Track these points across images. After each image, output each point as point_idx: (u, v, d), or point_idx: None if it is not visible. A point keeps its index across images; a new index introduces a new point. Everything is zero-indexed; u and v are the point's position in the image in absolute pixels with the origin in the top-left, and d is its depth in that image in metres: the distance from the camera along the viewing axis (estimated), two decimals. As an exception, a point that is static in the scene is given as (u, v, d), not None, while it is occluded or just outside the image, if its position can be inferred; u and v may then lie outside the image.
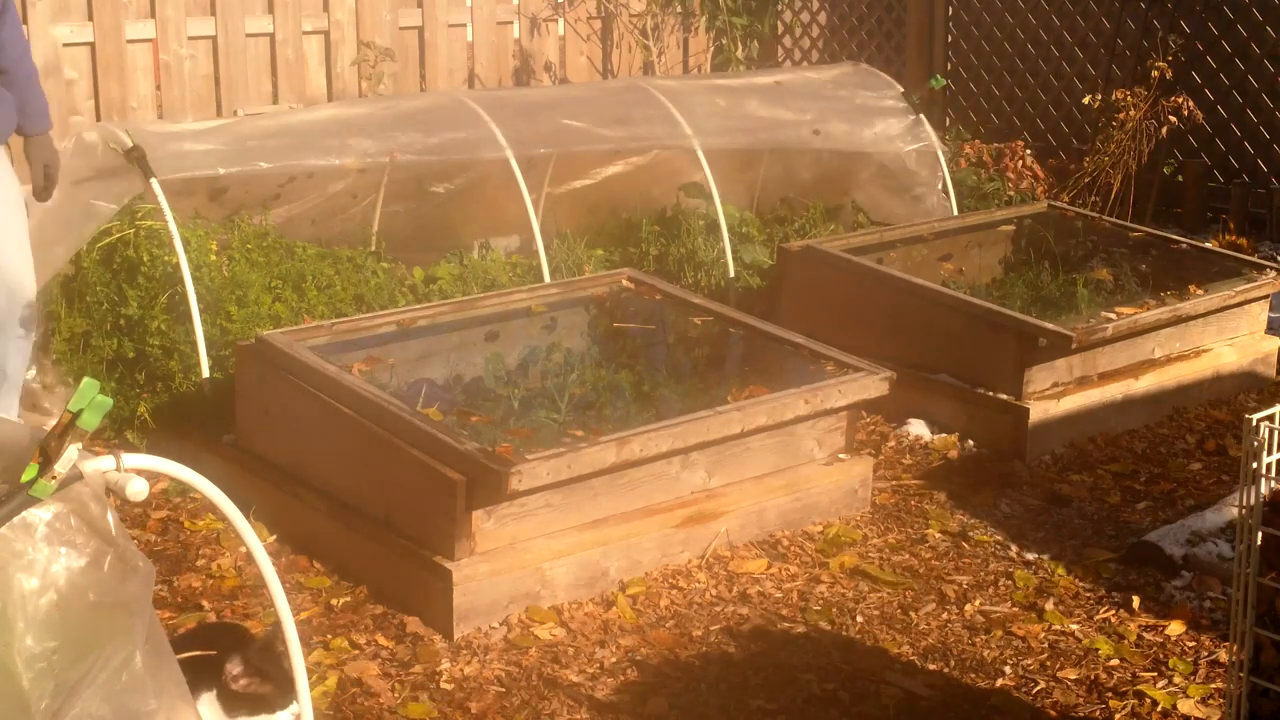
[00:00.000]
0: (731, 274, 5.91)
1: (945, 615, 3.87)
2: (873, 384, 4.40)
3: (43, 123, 4.32)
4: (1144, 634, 3.78)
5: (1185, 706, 3.43)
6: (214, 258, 4.91)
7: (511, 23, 7.58)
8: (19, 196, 4.31)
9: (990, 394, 4.97)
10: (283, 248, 5.17)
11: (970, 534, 4.34)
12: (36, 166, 4.31)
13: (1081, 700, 3.47)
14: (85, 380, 1.90)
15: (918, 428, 5.06)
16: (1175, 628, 3.79)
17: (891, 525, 4.39)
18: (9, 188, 4.27)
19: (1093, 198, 7.20)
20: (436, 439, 3.76)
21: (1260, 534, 2.51)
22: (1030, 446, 4.87)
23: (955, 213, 6.48)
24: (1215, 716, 3.38)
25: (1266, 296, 5.64)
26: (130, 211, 4.89)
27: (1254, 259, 6.00)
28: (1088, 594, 3.99)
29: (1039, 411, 4.88)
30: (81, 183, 4.86)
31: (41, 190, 4.34)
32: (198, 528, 4.24)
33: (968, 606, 3.91)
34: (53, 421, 1.95)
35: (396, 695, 3.43)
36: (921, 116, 6.63)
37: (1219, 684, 3.48)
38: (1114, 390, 5.12)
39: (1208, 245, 6.21)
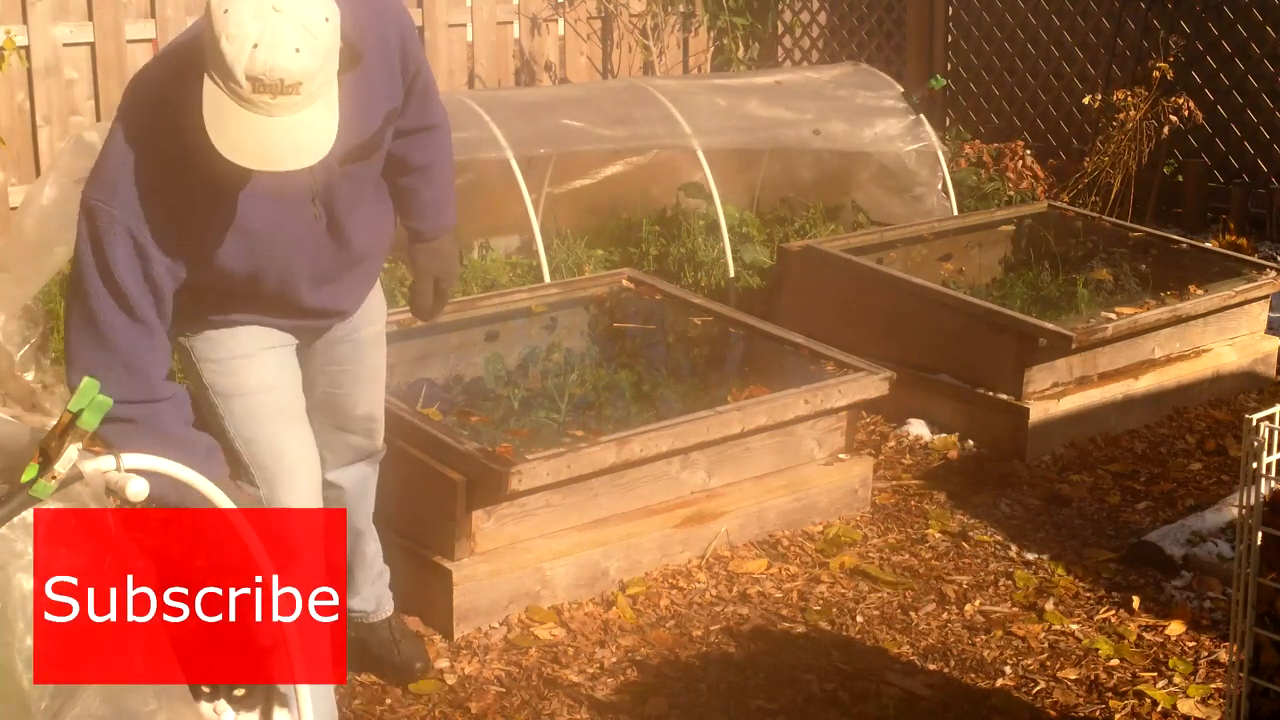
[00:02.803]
0: (731, 274, 5.91)
1: (945, 615, 3.87)
2: (873, 384, 4.40)
3: (439, 220, 3.28)
4: (1144, 634, 3.78)
5: (1185, 706, 3.43)
6: (214, 258, 4.90)
7: (511, 23, 7.56)
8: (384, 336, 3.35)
9: (990, 394, 4.97)
10: (283, 248, 5.16)
11: (970, 534, 4.34)
12: (424, 279, 3.30)
13: (1081, 700, 3.47)
14: (85, 380, 1.90)
15: (918, 428, 5.06)
16: (1175, 628, 3.79)
17: (891, 525, 4.39)
18: (377, 324, 3.29)
19: (1093, 198, 7.19)
20: (436, 439, 3.76)
21: (1260, 534, 2.51)
22: (1030, 446, 4.86)
23: (955, 213, 6.48)
24: (1215, 716, 3.38)
25: (1266, 296, 5.64)
26: (130, 211, 4.88)
27: (1254, 259, 5.99)
28: (1088, 594, 3.99)
29: (1039, 411, 4.88)
30: (82, 183, 4.85)
31: (428, 309, 3.35)
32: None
33: (968, 606, 3.91)
34: (53, 421, 1.95)
35: (396, 694, 3.43)
36: (921, 116, 6.63)
37: (1219, 684, 3.48)
38: (1114, 390, 5.12)
39: (1208, 245, 6.21)
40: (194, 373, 2.98)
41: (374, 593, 3.46)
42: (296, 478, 3.01)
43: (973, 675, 3.58)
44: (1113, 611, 3.89)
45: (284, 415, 3.03)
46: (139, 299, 2.65)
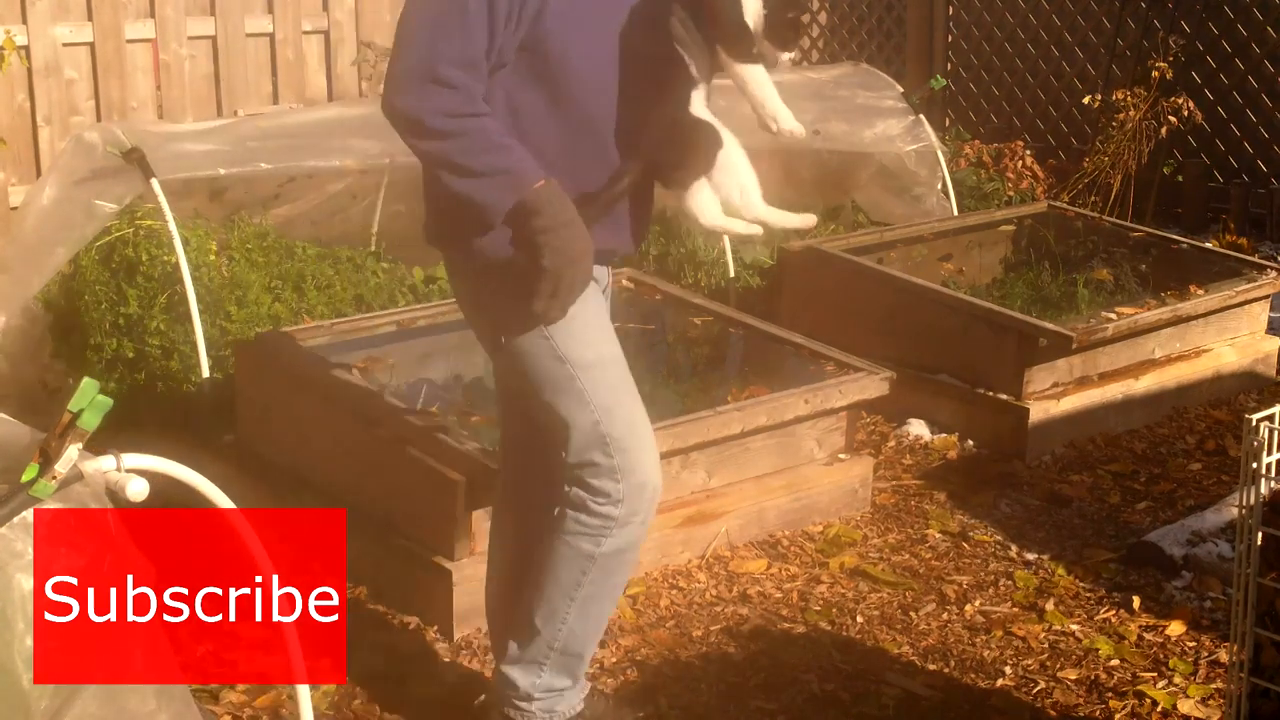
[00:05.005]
0: (731, 274, 5.91)
1: (945, 615, 3.87)
2: (873, 384, 4.40)
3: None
4: (1144, 634, 3.77)
5: (1185, 707, 3.43)
6: (214, 258, 4.91)
7: (511, 23, 7.57)
8: None
9: (990, 394, 4.97)
10: (282, 248, 5.17)
11: (970, 534, 4.34)
12: None
13: (1082, 700, 3.47)
14: (85, 380, 1.90)
15: (918, 428, 5.06)
16: (1175, 628, 3.79)
17: (891, 525, 4.39)
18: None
19: (1093, 198, 7.19)
20: (436, 439, 3.76)
21: (1260, 534, 2.51)
22: (1030, 446, 4.86)
23: (955, 213, 6.48)
24: (1215, 717, 3.37)
25: (1266, 296, 5.64)
26: (130, 211, 4.88)
27: (1254, 259, 6.00)
28: (1088, 594, 3.99)
29: (1039, 411, 4.88)
30: (82, 183, 4.85)
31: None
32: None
33: (968, 607, 3.91)
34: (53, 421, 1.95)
35: (396, 695, 3.43)
36: (921, 116, 6.62)
37: (1219, 684, 3.48)
38: (1114, 390, 5.12)
39: (1208, 245, 6.21)
40: (543, 351, 2.85)
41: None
42: (649, 450, 2.93)
43: (973, 675, 3.58)
44: (1113, 612, 3.89)
45: (632, 388, 2.95)
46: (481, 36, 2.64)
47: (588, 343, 2.87)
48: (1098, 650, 3.69)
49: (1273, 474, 2.52)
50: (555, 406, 2.86)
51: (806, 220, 3.05)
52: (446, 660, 3.57)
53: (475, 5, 2.63)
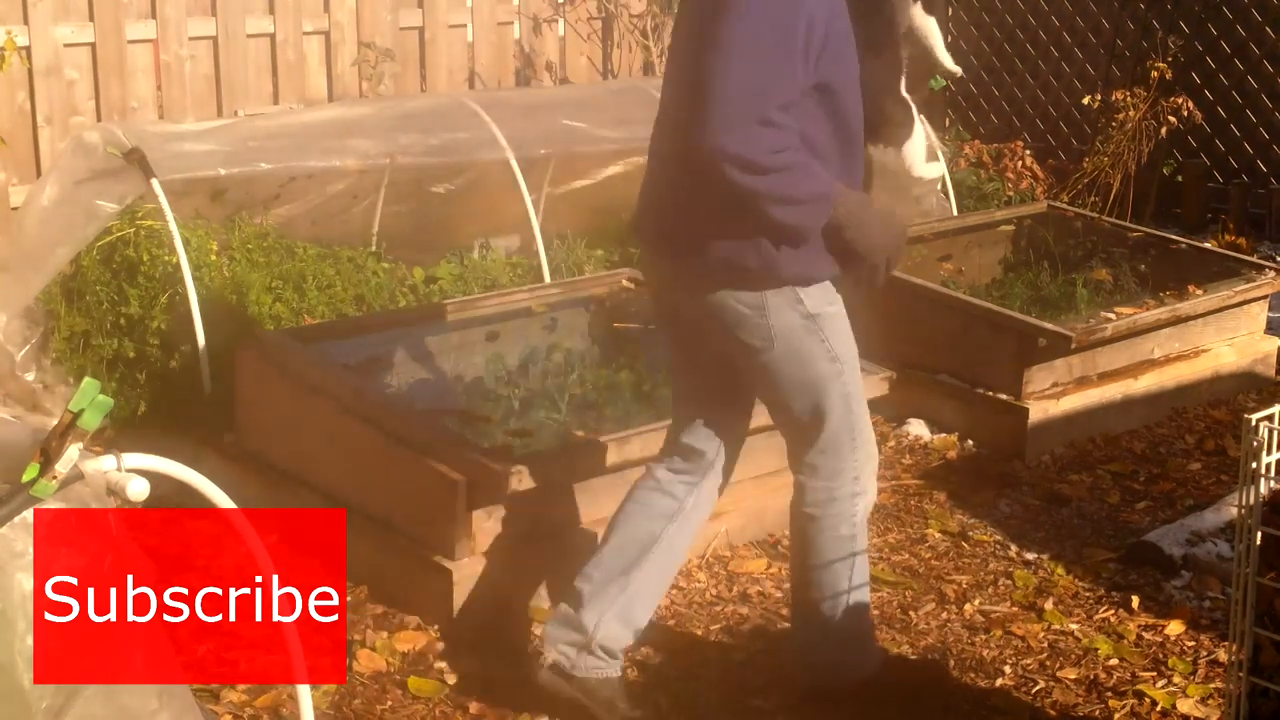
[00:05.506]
0: (731, 274, 5.89)
1: (945, 615, 3.87)
2: (873, 384, 4.39)
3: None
4: (1143, 634, 3.78)
5: (1185, 706, 3.43)
6: (214, 258, 4.91)
7: (512, 23, 7.56)
8: None
9: (990, 394, 4.97)
10: (283, 248, 5.17)
11: (970, 534, 4.34)
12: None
13: (1081, 700, 3.47)
14: (86, 380, 1.91)
15: (918, 428, 5.06)
16: (1175, 627, 3.79)
17: (891, 525, 4.39)
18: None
19: (1092, 198, 7.20)
20: (436, 439, 3.76)
21: (1259, 534, 2.51)
22: (1030, 446, 4.87)
23: (955, 213, 6.48)
24: (1215, 716, 3.38)
25: (1265, 296, 5.64)
26: (130, 211, 4.88)
27: (1253, 259, 6.00)
28: (1087, 594, 3.99)
29: (1039, 411, 4.88)
30: (83, 183, 4.85)
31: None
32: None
33: (967, 606, 3.91)
34: (53, 421, 1.95)
35: (396, 694, 3.43)
36: (921, 117, 6.62)
37: (1218, 684, 3.48)
38: (1113, 390, 5.12)
39: (1207, 245, 6.21)
40: (820, 353, 3.11)
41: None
42: (870, 425, 3.26)
43: (972, 675, 3.58)
44: (1112, 611, 3.89)
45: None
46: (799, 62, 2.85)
47: (849, 341, 3.17)
48: (1097, 650, 3.69)
49: (1272, 474, 2.52)
50: (819, 401, 3.14)
51: (940, 168, 3.49)
52: (447, 660, 3.57)
53: (798, 49, 2.83)
